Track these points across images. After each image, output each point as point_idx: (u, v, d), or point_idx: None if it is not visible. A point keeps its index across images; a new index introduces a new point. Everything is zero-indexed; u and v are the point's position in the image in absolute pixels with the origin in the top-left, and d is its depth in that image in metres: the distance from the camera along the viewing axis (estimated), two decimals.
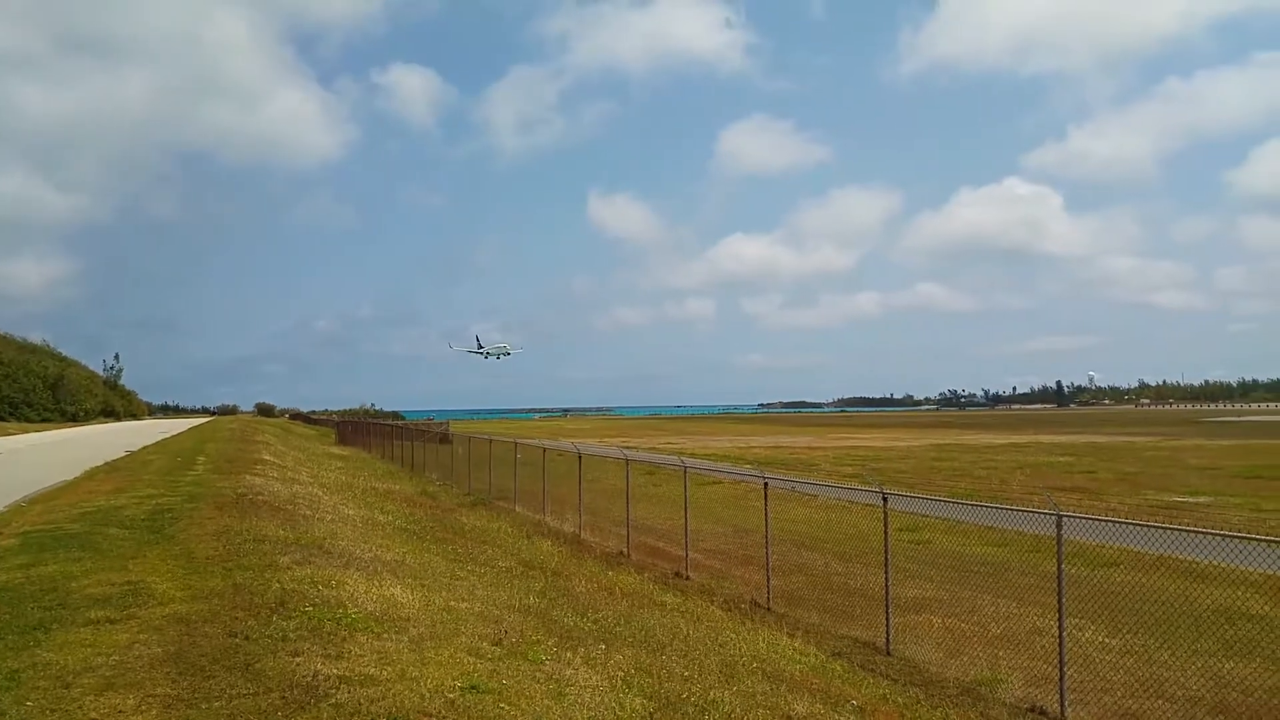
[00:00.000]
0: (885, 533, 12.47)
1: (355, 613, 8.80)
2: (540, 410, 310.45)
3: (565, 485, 25.19)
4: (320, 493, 22.91)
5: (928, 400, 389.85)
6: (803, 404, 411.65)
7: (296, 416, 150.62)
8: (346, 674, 6.80)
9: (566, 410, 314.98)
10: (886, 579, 12.25)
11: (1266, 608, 13.20)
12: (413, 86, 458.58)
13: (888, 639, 12.00)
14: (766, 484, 15.90)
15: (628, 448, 50.22)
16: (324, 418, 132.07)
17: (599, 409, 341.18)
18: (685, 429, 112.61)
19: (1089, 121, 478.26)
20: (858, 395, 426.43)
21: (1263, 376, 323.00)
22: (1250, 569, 14.84)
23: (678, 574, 17.35)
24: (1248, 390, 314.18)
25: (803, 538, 20.43)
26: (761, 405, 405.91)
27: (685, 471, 18.65)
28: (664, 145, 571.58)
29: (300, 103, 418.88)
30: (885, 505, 12.56)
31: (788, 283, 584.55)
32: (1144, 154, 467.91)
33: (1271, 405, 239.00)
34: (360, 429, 70.80)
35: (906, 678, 10.81)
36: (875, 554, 12.73)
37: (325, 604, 9.04)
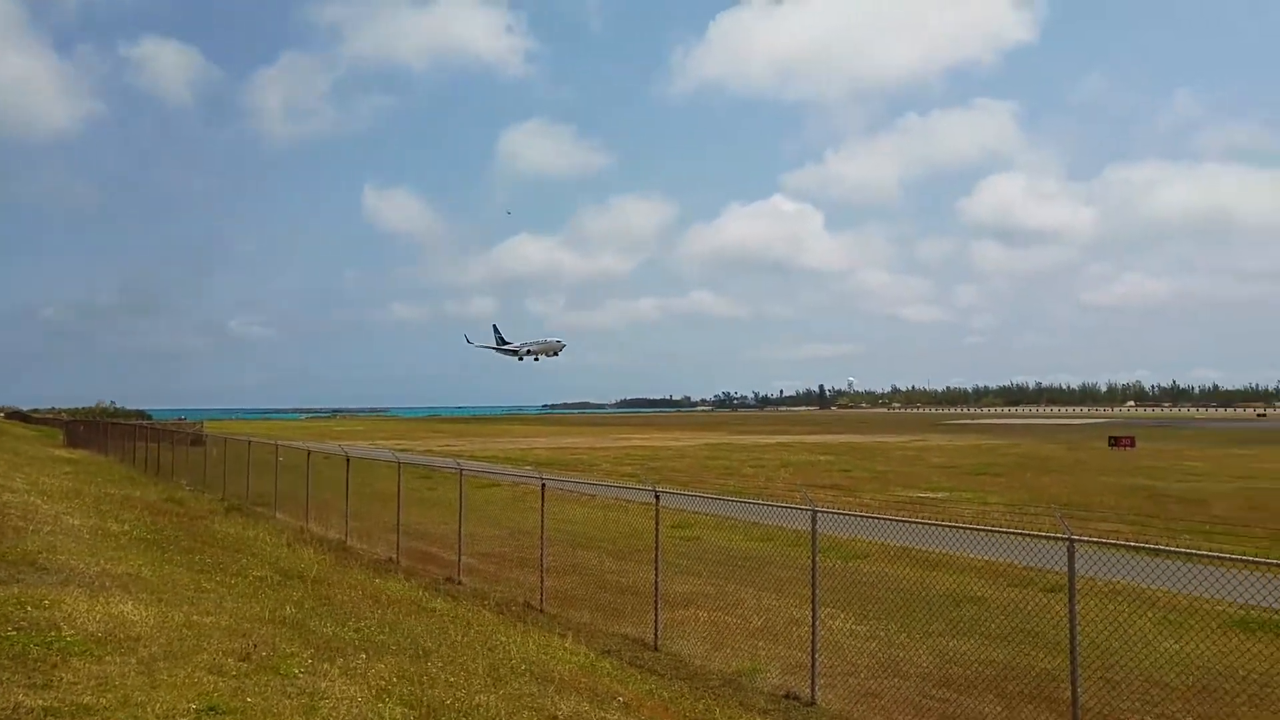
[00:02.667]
0: (656, 530, 12.90)
1: (71, 635, 7.87)
2: (307, 411, 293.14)
3: (331, 490, 23.96)
4: (38, 501, 20.30)
5: (704, 402, 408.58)
6: (586, 405, 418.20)
7: (14, 415, 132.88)
8: (55, 705, 6.06)
9: (336, 411, 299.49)
10: (656, 576, 12.67)
11: (987, 590, 14.95)
12: (169, 62, 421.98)
13: (656, 635, 12.42)
14: (544, 485, 15.97)
15: (402, 450, 48.56)
16: (51, 417, 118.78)
17: (373, 410, 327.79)
18: (466, 430, 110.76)
19: (843, 147, 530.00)
20: (639, 396, 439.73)
21: (993, 383, 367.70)
22: (975, 556, 16.79)
23: (450, 579, 17.02)
24: (981, 395, 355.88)
25: (579, 537, 20.69)
26: (546, 406, 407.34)
27: (461, 474, 18.33)
28: (445, 143, 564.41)
29: (31, 68, 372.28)
30: (658, 503, 12.99)
31: (571, 284, 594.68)
32: (890, 180, 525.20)
33: (1001, 409, 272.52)
34: (96, 430, 63.75)
35: (673, 672, 11.24)
36: (648, 551, 13.14)
37: (34, 627, 8.02)
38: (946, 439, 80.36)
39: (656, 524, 12.91)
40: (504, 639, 11.54)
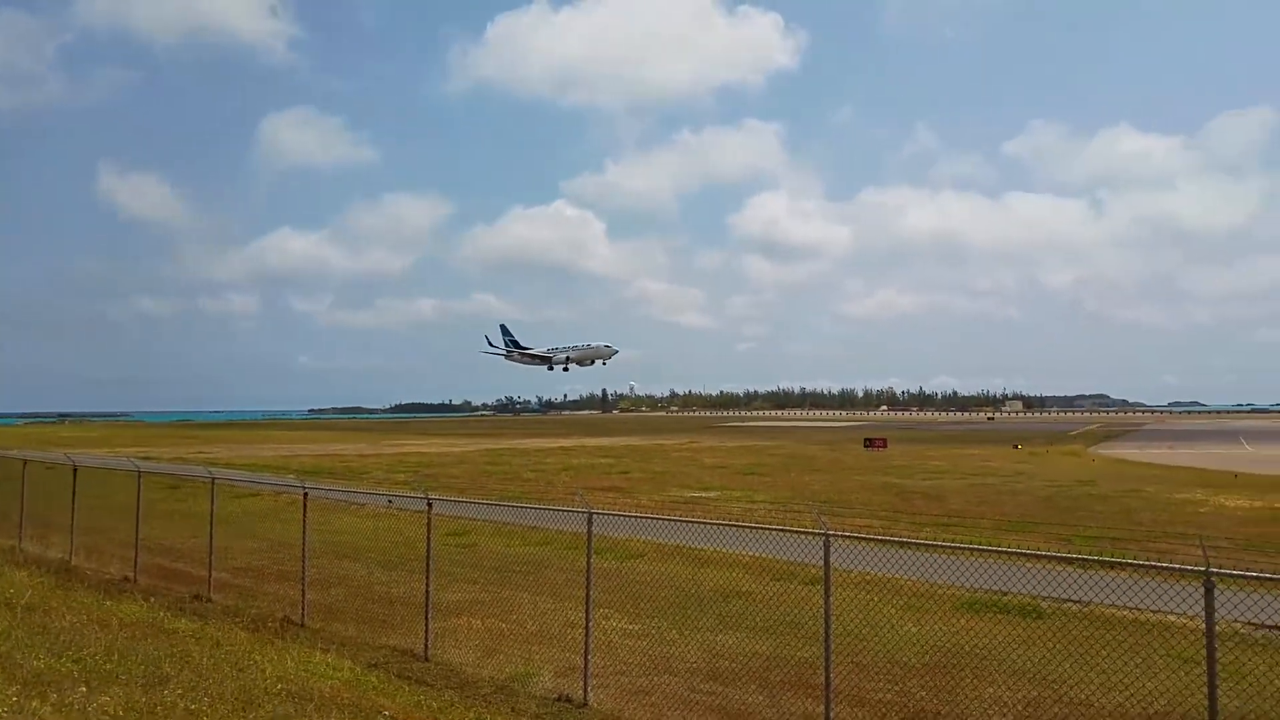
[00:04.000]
0: (428, 538, 12.54)
1: None
2: (28, 415, 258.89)
3: (54, 504, 21.32)
4: None
5: (485, 406, 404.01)
6: (358, 409, 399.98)
7: None
8: None
9: (65, 415, 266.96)
10: (428, 585, 12.31)
11: (754, 585, 15.80)
12: None
13: (427, 645, 12.06)
14: (306, 494, 15.07)
15: (146, 458, 44.15)
16: None
17: (114, 414, 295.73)
18: (223, 436, 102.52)
19: (622, 158, 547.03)
20: (415, 401, 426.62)
21: (763, 388, 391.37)
22: (743, 552, 17.69)
23: (198, 596, 15.64)
24: (752, 399, 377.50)
25: (347, 548, 19.74)
26: (312, 411, 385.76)
27: (214, 483, 16.91)
28: (197, 127, 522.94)
29: None
30: (430, 510, 12.64)
31: (339, 282, 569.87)
32: (667, 193, 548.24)
33: (769, 412, 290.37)
34: None
35: (443, 681, 10.95)
36: (421, 560, 12.73)
37: None
38: (719, 441, 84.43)
39: (429, 531, 12.54)
40: (259, 658, 10.74)
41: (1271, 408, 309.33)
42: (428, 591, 12.25)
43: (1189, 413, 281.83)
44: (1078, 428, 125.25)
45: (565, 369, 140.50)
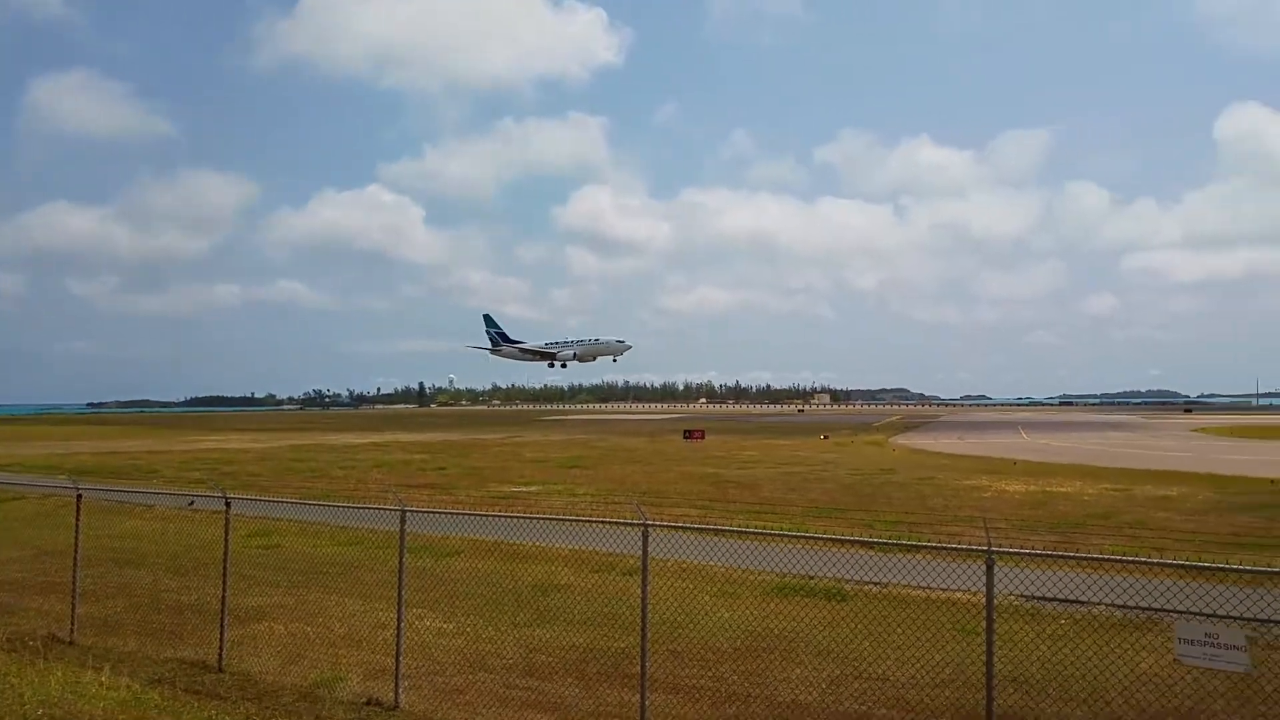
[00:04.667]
0: (226, 539, 11.74)
1: None
2: None
3: None
4: None
5: (291, 400, 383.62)
6: (146, 403, 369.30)
7: None
8: None
9: None
10: (224, 590, 11.52)
11: (572, 578, 15.85)
12: None
13: (221, 655, 11.28)
14: (80, 495, 13.72)
15: None
16: None
17: None
18: None
19: (441, 144, 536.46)
20: (214, 394, 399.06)
21: (586, 381, 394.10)
22: (562, 546, 17.72)
23: None
24: (575, 393, 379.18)
25: (130, 554, 18.20)
26: (92, 405, 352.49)
27: None
28: None
29: None
30: (228, 510, 11.83)
31: (126, 264, 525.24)
32: (489, 181, 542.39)
33: (592, 405, 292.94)
34: None
35: (239, 693, 10.29)
36: (218, 564, 11.90)
37: None
38: (542, 435, 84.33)
39: (226, 532, 11.74)
40: (16, 682, 9.68)
41: (1046, 401, 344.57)
42: (224, 597, 11.48)
43: (978, 405, 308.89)
44: (881, 419, 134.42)
45: (564, 365, 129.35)
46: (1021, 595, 14.42)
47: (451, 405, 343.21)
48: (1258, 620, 12.62)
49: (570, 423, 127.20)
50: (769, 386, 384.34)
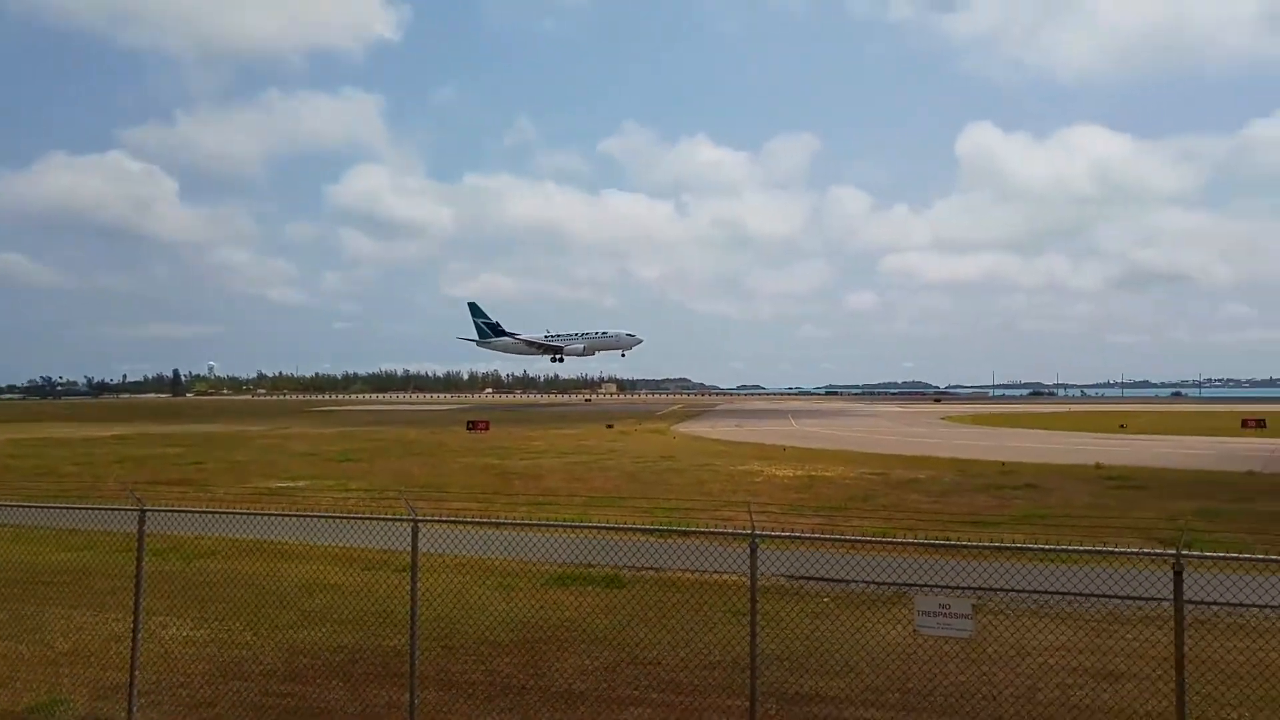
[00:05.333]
0: None
1: None
2: None
3: None
4: None
5: (12, 388, 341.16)
6: None
7: None
8: None
9: None
10: None
11: (341, 576, 15.17)
12: None
13: None
14: None
15: None
16: None
17: None
18: None
19: (197, 111, 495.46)
20: None
21: (362, 370, 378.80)
22: (332, 544, 16.90)
23: None
24: (350, 382, 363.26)
25: None
26: None
27: None
28: None
29: None
30: None
31: None
32: (253, 155, 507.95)
33: (368, 396, 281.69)
34: None
35: None
36: None
37: None
38: (312, 427, 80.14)
39: None
40: None
41: (814, 390, 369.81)
42: None
43: (753, 394, 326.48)
44: (664, 408, 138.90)
45: (561, 359, 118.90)
46: (788, 575, 15.38)
47: (211, 395, 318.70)
48: (983, 589, 14.21)
49: (345, 414, 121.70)
50: (557, 376, 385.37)
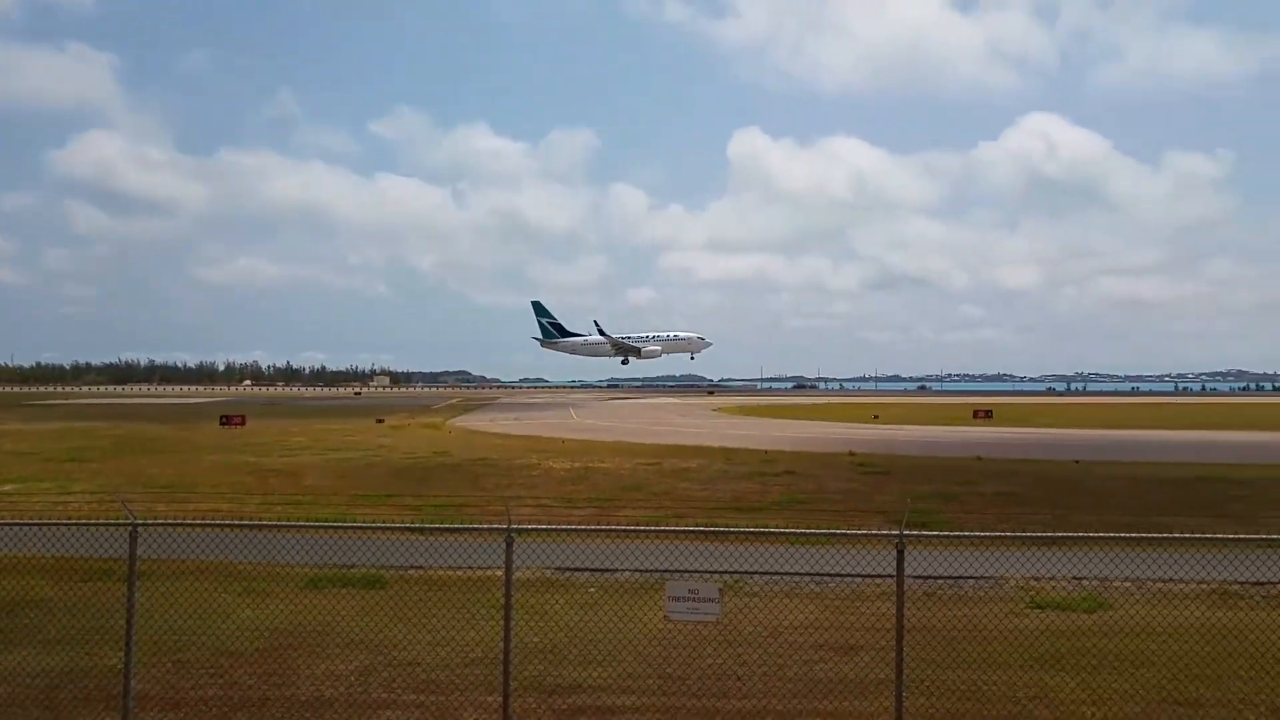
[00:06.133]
0: None
1: None
2: None
3: None
4: None
5: None
6: None
7: None
8: None
9: None
10: None
11: (53, 591, 13.62)
12: None
13: None
14: None
15: None
16: None
17: None
18: None
19: None
20: None
21: (96, 360, 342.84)
22: (44, 554, 15.12)
23: None
24: (81, 373, 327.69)
25: None
26: None
27: None
28: None
29: None
30: None
31: None
32: None
33: (107, 388, 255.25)
34: None
35: None
36: None
37: None
38: (28, 424, 71.60)
39: None
40: None
41: (596, 384, 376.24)
42: None
43: (536, 388, 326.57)
44: (441, 402, 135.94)
45: (627, 362, 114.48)
46: (556, 567, 15.49)
47: None
48: (741, 573, 14.98)
49: (76, 407, 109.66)
50: (324, 368, 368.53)
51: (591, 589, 14.51)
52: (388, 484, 29.26)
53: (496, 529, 8.38)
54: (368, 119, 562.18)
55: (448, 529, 14.38)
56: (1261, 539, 11.17)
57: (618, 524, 20.07)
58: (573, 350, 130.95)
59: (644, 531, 12.24)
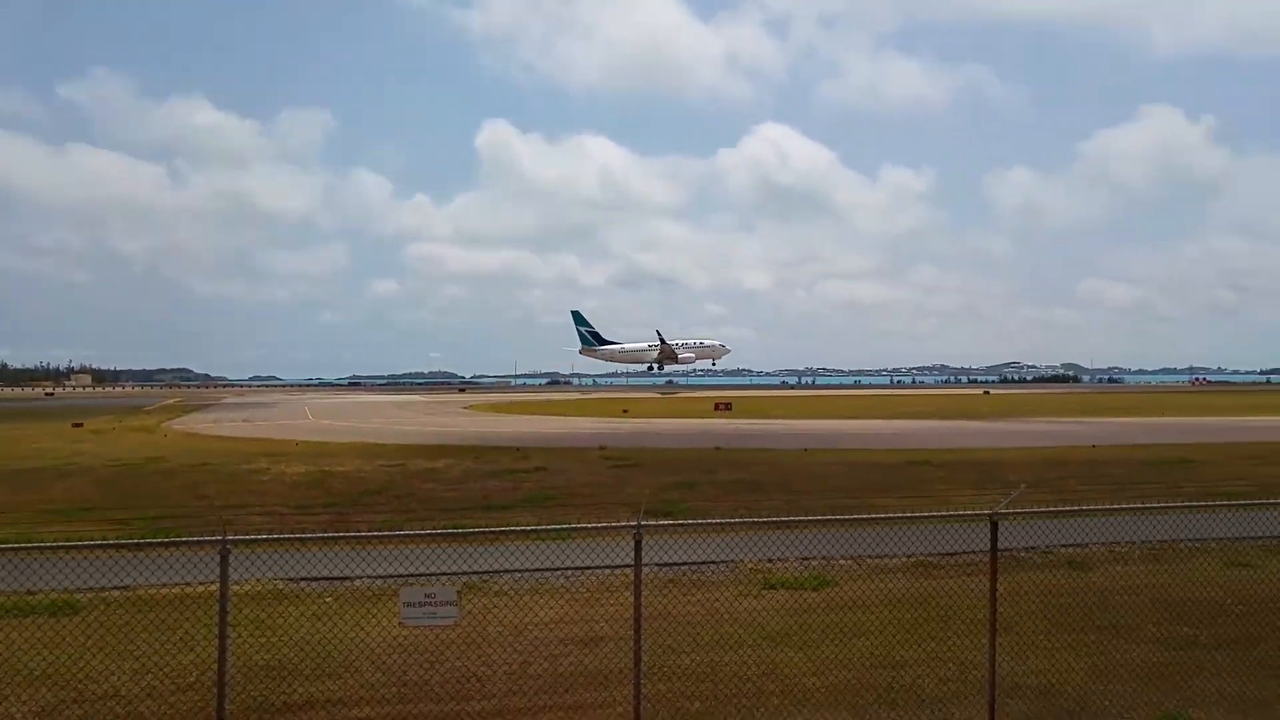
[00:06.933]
0: None
1: None
2: None
3: None
4: None
5: None
6: None
7: None
8: None
9: None
10: None
11: None
12: None
13: None
14: None
15: None
16: None
17: None
18: None
19: None
20: None
21: None
22: None
23: None
24: None
25: None
26: None
27: None
28: None
29: None
30: None
31: None
32: None
33: None
34: None
35: None
36: None
37: None
38: None
39: None
40: None
41: (337, 381, 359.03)
42: None
43: (268, 386, 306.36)
44: (155, 403, 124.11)
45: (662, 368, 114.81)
46: (288, 578, 14.57)
47: None
48: (481, 573, 14.89)
49: None
50: (6, 366, 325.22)
51: (327, 598, 13.83)
52: (87, 496, 26.31)
53: (210, 541, 7.75)
54: (55, 79, 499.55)
55: (155, 544, 13.17)
56: (956, 515, 12.65)
57: (356, 530, 19.29)
58: (610, 357, 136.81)
59: (383, 536, 11.70)
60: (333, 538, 9.65)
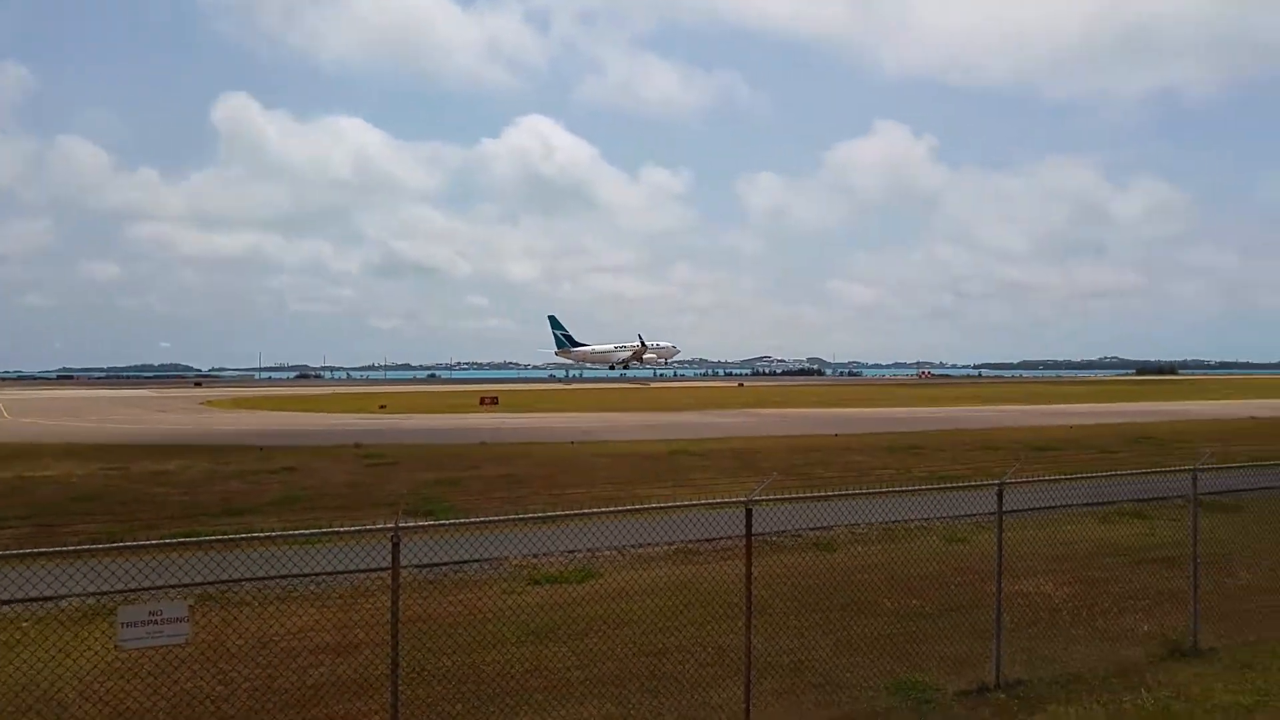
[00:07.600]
0: None
1: None
2: None
3: None
4: None
5: None
6: None
7: None
8: None
9: None
10: None
11: None
12: None
13: None
14: None
15: None
16: None
17: None
18: None
19: None
20: None
21: None
22: None
23: None
24: None
25: None
26: None
27: None
28: None
29: None
30: None
31: None
32: None
33: None
34: None
35: None
36: None
37: None
38: None
39: None
40: None
41: (42, 374, 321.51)
42: None
43: None
44: None
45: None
46: None
47: None
48: (219, 583, 13.78)
49: None
50: None
51: (24, 623, 12.25)
52: None
53: None
54: None
55: None
56: (715, 503, 13.16)
57: (65, 544, 17.27)
58: (583, 358, 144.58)
59: (97, 550, 10.30)
60: (31, 554, 8.30)
